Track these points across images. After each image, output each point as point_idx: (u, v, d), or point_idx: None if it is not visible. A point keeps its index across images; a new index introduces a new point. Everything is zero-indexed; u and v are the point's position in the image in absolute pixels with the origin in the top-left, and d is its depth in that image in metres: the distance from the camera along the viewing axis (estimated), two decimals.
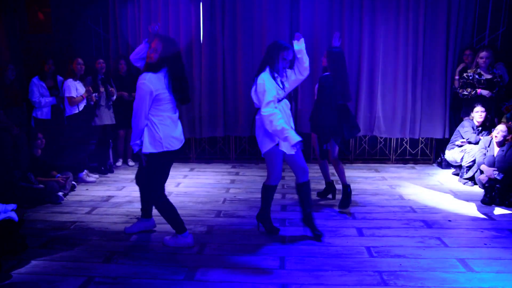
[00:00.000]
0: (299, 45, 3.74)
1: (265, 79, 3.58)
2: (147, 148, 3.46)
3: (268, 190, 3.87)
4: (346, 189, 4.65)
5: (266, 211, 3.95)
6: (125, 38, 6.83)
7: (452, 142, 6.00)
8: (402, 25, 6.54)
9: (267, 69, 3.63)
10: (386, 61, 6.66)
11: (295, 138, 3.46)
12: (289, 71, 3.79)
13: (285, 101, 3.77)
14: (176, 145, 3.56)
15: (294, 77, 3.82)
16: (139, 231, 3.97)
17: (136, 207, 4.53)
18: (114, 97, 6.26)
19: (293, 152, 3.66)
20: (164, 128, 3.47)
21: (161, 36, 3.56)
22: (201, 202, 4.93)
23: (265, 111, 3.51)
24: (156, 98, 3.39)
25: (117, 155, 6.80)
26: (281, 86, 3.67)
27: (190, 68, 6.80)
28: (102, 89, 6.06)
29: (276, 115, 3.48)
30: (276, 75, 3.64)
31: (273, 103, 3.53)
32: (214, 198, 5.05)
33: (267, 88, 3.54)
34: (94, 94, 5.95)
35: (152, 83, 3.35)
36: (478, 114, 5.71)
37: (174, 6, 6.67)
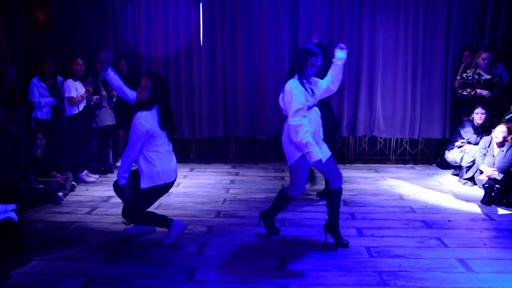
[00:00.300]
0: (342, 54, 3.54)
1: (292, 86, 3.42)
2: (146, 183, 3.64)
3: (285, 198, 3.77)
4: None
5: (273, 214, 3.91)
6: (125, 38, 6.83)
7: (452, 143, 5.99)
8: (402, 25, 6.54)
9: (296, 76, 3.48)
10: (386, 61, 6.67)
11: (316, 156, 3.32)
12: (320, 81, 3.62)
13: (315, 109, 3.60)
14: (172, 177, 3.78)
15: (326, 86, 3.63)
16: (138, 232, 3.98)
17: None
18: (115, 98, 6.26)
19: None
20: (161, 162, 3.67)
21: (149, 73, 3.73)
22: (201, 202, 4.93)
23: (292, 120, 3.38)
24: (152, 135, 3.58)
25: (116, 155, 6.80)
26: (311, 93, 3.50)
27: (190, 68, 6.80)
28: (104, 93, 6.06)
29: (304, 126, 3.35)
30: (305, 81, 3.48)
31: (302, 111, 3.39)
32: (214, 198, 5.05)
33: (295, 95, 3.39)
34: (95, 97, 5.96)
35: (148, 121, 3.54)
36: (478, 115, 5.71)
37: (174, 6, 6.67)
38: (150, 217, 3.78)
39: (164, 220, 3.75)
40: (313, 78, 3.56)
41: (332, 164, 3.63)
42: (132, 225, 4.02)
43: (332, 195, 3.66)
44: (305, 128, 3.35)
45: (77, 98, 5.79)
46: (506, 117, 5.49)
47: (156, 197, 3.85)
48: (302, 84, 3.46)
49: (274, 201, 3.85)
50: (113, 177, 6.11)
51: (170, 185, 3.79)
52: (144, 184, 3.63)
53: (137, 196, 3.69)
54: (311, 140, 3.36)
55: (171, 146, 3.82)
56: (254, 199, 4.97)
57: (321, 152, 3.43)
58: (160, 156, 3.66)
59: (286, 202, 3.82)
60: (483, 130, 5.73)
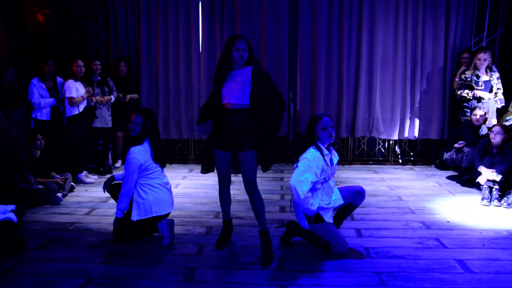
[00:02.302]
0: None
1: (307, 157, 3.39)
2: (137, 215, 3.70)
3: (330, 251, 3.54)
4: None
5: (304, 236, 3.63)
6: (124, 39, 6.84)
7: (450, 144, 6.00)
8: (401, 27, 6.56)
9: (312, 147, 3.46)
10: (384, 63, 6.69)
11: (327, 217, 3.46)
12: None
13: (331, 182, 3.63)
14: (165, 209, 3.83)
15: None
16: None
17: None
18: (113, 99, 6.26)
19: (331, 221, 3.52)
20: (154, 194, 3.75)
21: (139, 109, 3.88)
22: (200, 203, 4.93)
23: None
24: (146, 168, 3.69)
25: (116, 156, 6.81)
26: (329, 164, 3.49)
27: (189, 68, 6.81)
28: (98, 97, 6.05)
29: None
30: (325, 152, 3.48)
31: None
32: (213, 199, 5.05)
33: (312, 162, 3.37)
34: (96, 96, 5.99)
35: (141, 155, 3.67)
36: (477, 117, 5.72)
37: (173, 7, 6.69)
38: (138, 233, 3.82)
39: (151, 229, 3.83)
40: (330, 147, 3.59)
41: (347, 191, 3.65)
42: None
43: (348, 208, 3.72)
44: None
45: (77, 99, 5.79)
46: (505, 123, 5.50)
47: (148, 227, 3.83)
48: (322, 154, 3.45)
49: (316, 239, 3.55)
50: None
51: (163, 217, 3.84)
52: (135, 216, 3.70)
53: (129, 223, 3.74)
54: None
55: (166, 179, 3.92)
56: None
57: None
58: (153, 189, 3.76)
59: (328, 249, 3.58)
60: (482, 131, 5.74)
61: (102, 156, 6.41)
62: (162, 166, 3.88)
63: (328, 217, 3.52)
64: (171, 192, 3.94)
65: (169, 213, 3.92)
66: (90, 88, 5.92)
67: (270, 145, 3.37)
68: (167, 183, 3.92)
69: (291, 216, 4.43)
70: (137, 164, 3.65)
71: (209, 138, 3.54)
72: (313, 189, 3.44)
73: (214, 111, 3.40)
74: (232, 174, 3.73)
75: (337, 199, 3.61)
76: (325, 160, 3.45)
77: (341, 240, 3.46)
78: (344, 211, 3.76)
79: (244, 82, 3.32)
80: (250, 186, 3.40)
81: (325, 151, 3.49)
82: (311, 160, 3.37)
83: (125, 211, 3.77)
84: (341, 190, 3.67)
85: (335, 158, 3.63)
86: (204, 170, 3.66)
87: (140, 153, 3.68)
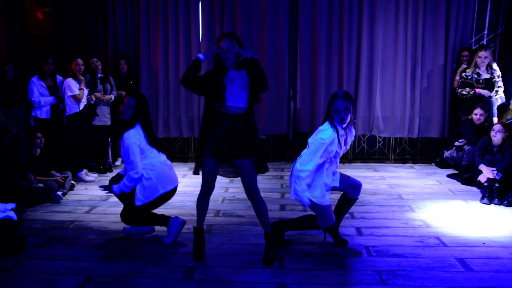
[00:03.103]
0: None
1: (324, 138, 3.29)
2: (142, 199, 3.68)
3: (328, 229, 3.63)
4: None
5: (288, 227, 3.67)
6: (124, 38, 6.83)
7: (451, 142, 6.00)
8: (401, 25, 6.55)
9: (327, 123, 3.36)
10: (385, 61, 6.67)
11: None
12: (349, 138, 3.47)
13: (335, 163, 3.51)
14: (172, 183, 3.80)
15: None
16: (137, 232, 3.97)
17: None
18: (113, 97, 6.26)
19: (336, 184, 3.51)
20: (156, 173, 3.71)
21: (133, 93, 3.83)
22: None
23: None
24: (141, 150, 3.66)
25: (116, 154, 6.80)
26: (341, 145, 3.38)
27: None
28: (98, 94, 6.05)
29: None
30: (341, 131, 3.34)
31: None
32: (213, 197, 4.99)
33: (326, 142, 3.28)
34: (96, 95, 5.97)
35: (136, 137, 3.63)
36: (477, 116, 5.71)
37: (173, 5, 6.67)
38: (148, 218, 3.79)
39: (162, 219, 3.77)
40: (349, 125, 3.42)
41: (347, 177, 3.60)
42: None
43: (347, 202, 3.67)
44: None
45: (80, 93, 5.79)
46: (507, 122, 5.49)
47: (156, 205, 3.81)
48: (337, 133, 3.32)
49: (304, 220, 3.64)
50: (112, 176, 6.11)
51: (171, 192, 3.80)
52: (140, 201, 3.67)
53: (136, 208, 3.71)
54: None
55: (164, 157, 3.87)
56: None
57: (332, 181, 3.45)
58: (154, 168, 3.72)
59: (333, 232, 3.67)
60: (482, 129, 5.73)
61: (102, 155, 6.40)
62: (158, 149, 3.83)
63: (325, 198, 3.44)
64: (172, 168, 3.90)
65: (176, 188, 3.86)
66: (83, 78, 5.91)
67: (262, 150, 3.31)
68: (166, 160, 3.87)
69: (291, 215, 4.43)
70: (136, 143, 3.61)
71: (200, 141, 3.33)
72: (319, 167, 3.37)
73: (211, 115, 3.24)
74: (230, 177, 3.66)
75: (335, 180, 3.54)
76: (339, 141, 3.34)
77: (330, 213, 3.45)
78: (342, 206, 3.70)
79: (243, 85, 3.21)
80: (252, 193, 3.33)
81: (342, 132, 3.35)
82: (327, 143, 3.27)
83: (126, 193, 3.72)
84: (341, 176, 3.59)
85: (351, 139, 3.50)
86: (198, 173, 3.50)
87: (135, 135, 3.64)
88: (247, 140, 3.22)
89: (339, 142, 3.35)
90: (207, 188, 3.40)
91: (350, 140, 3.51)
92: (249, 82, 3.20)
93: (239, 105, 3.20)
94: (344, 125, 3.35)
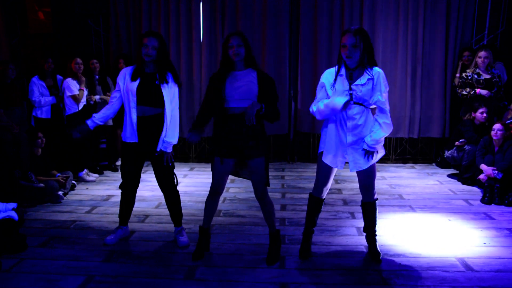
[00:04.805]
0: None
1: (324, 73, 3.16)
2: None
3: (309, 200, 3.45)
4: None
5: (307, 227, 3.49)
6: (125, 37, 6.84)
7: (451, 142, 6.00)
8: (402, 25, 6.55)
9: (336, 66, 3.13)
10: (385, 61, 6.67)
11: (339, 101, 2.95)
12: (381, 75, 3.05)
13: (357, 109, 3.06)
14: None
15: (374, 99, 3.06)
16: (118, 239, 3.79)
17: (135, 206, 4.51)
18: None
19: (339, 167, 3.27)
20: None
21: (152, 32, 3.54)
22: (201, 201, 4.92)
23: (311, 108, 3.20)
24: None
25: (116, 154, 6.79)
26: (334, 83, 3.09)
27: (190, 67, 6.80)
28: (97, 96, 6.05)
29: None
30: (342, 71, 3.07)
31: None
32: None
33: (319, 83, 3.16)
34: (96, 97, 5.97)
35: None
36: (482, 115, 5.69)
37: (174, 5, 6.68)
38: (121, 202, 3.78)
39: (122, 216, 3.80)
40: (367, 68, 3.04)
41: (364, 174, 3.31)
42: (111, 235, 3.79)
43: (362, 206, 3.50)
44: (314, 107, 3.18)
45: (79, 94, 5.79)
46: (507, 122, 5.49)
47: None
48: (337, 72, 3.07)
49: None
50: (113, 176, 6.12)
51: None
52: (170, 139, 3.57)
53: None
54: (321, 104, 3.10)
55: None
56: (254, 198, 4.88)
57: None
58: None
59: (310, 205, 3.45)
60: (483, 129, 5.73)
61: (109, 154, 6.46)
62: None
63: (329, 160, 3.24)
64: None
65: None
66: (84, 78, 5.91)
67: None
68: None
69: (291, 215, 4.44)
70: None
71: (211, 142, 3.29)
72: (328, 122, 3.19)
73: (216, 115, 3.23)
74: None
75: (359, 144, 3.19)
76: (334, 81, 3.07)
77: (318, 183, 3.34)
78: (364, 213, 3.46)
79: (250, 85, 3.13)
80: (263, 196, 3.34)
81: (342, 71, 3.07)
82: (320, 81, 3.17)
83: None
84: (361, 171, 3.28)
85: (363, 79, 3.02)
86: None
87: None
88: (255, 139, 3.19)
89: (334, 82, 3.06)
90: (215, 188, 3.37)
91: (362, 81, 3.02)
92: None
93: (246, 105, 3.13)
94: (353, 65, 3.03)
